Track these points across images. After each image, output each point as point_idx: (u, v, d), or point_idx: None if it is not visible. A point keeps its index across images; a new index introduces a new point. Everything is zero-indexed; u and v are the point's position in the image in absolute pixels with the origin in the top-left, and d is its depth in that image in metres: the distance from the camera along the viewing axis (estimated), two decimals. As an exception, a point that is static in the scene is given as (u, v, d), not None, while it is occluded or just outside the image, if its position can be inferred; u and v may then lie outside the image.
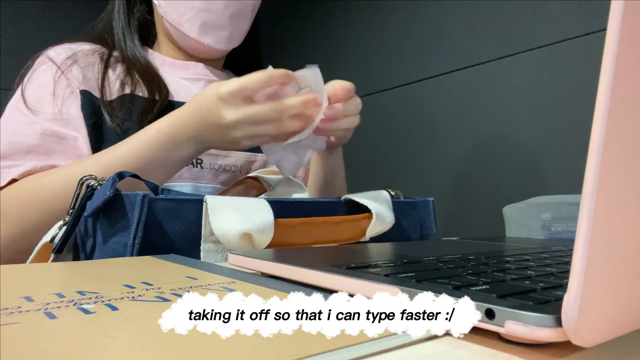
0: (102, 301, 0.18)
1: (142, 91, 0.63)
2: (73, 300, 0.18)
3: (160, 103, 0.62)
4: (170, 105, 0.63)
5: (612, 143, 0.13)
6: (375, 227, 0.47)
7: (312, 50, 1.49)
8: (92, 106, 0.59)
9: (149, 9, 0.70)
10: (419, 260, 0.28)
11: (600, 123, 0.13)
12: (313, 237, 0.43)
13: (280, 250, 0.35)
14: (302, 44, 1.54)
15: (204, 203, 0.39)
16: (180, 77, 0.69)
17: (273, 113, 0.49)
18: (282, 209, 0.42)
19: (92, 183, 0.39)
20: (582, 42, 0.82)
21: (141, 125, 0.59)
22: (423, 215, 0.55)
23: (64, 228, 0.39)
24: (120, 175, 0.38)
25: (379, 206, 0.48)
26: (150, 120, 0.58)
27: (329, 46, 1.42)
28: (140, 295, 0.19)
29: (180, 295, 0.20)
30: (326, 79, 0.53)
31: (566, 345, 0.17)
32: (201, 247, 0.39)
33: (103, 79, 0.62)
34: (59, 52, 0.62)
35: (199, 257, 0.39)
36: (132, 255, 0.35)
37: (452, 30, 1.05)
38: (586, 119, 0.81)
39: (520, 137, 0.91)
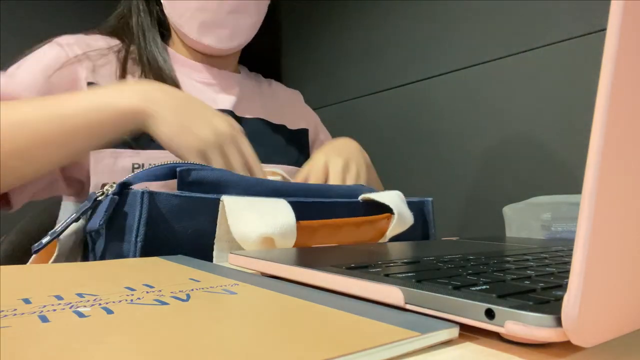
0: (100, 304, 0.18)
1: None
2: (70, 303, 0.18)
3: None
4: None
5: (612, 143, 0.13)
6: (396, 228, 0.46)
7: (312, 50, 1.49)
8: None
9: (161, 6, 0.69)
10: (419, 260, 0.28)
11: (600, 123, 0.13)
12: (335, 239, 0.42)
13: (281, 250, 0.35)
14: (302, 43, 1.54)
15: (221, 202, 0.38)
16: (195, 80, 0.69)
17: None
18: (301, 209, 0.41)
19: (105, 197, 0.38)
20: (582, 42, 0.82)
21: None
22: (422, 216, 0.54)
23: (68, 219, 0.38)
24: (124, 184, 0.37)
25: (400, 205, 0.47)
26: None
27: (328, 46, 1.42)
28: (139, 298, 0.19)
29: (179, 298, 0.20)
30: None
31: (566, 345, 0.17)
32: (215, 246, 0.38)
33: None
34: (70, 43, 0.61)
35: (211, 256, 0.38)
36: (135, 255, 0.35)
37: (452, 30, 1.05)
38: (586, 119, 0.81)
39: (521, 137, 0.91)
